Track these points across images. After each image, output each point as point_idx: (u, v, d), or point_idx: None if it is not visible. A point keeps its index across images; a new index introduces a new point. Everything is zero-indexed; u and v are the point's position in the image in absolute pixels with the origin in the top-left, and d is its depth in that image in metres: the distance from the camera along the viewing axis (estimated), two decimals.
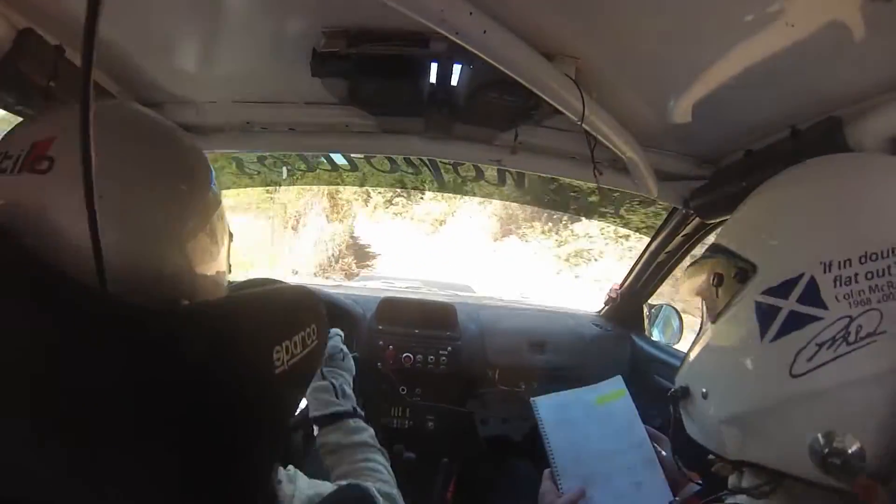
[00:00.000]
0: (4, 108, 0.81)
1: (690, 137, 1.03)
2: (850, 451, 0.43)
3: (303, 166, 1.26)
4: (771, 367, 0.48)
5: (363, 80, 0.88)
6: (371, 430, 0.87)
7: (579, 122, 0.83)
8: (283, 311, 0.57)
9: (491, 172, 1.33)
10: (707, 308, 0.60)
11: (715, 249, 0.59)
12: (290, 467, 0.64)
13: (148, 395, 0.39)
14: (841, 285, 0.45)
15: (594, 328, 1.74)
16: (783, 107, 0.80)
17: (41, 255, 0.39)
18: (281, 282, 0.76)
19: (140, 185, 0.46)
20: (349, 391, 0.91)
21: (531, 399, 1.00)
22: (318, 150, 1.18)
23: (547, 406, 1.00)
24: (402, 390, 1.55)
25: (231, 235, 0.59)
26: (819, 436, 0.44)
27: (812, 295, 0.46)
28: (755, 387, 0.50)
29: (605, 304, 1.82)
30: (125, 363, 0.39)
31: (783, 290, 0.48)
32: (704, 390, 0.56)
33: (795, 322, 0.47)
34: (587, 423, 0.97)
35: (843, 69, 0.68)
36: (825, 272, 0.46)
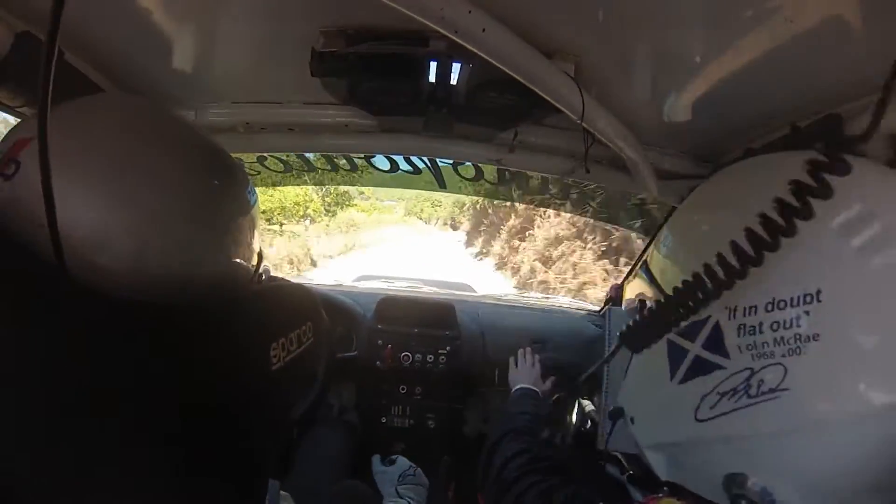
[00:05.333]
0: (3, 111, 0.81)
1: (690, 135, 1.03)
2: (757, 493, 0.41)
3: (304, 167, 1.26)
4: (679, 408, 0.46)
5: (362, 79, 0.88)
6: None
7: (579, 121, 0.83)
8: (280, 309, 0.58)
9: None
10: None
11: (644, 267, 0.55)
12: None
13: (147, 391, 0.40)
14: (744, 334, 0.41)
15: (595, 328, 1.74)
16: (783, 104, 0.80)
17: (39, 254, 0.39)
18: (281, 279, 0.77)
19: (162, 186, 0.46)
20: None
21: (608, 308, 1.17)
22: (317, 149, 1.18)
23: (618, 316, 1.13)
24: (402, 389, 1.55)
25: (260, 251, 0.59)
26: (727, 477, 0.42)
27: (716, 342, 0.43)
28: (668, 424, 0.49)
29: (605, 303, 1.82)
30: (123, 361, 0.39)
31: (691, 331, 0.45)
32: (632, 416, 0.55)
33: (701, 368, 0.44)
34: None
35: (843, 65, 0.68)
36: (729, 318, 0.42)
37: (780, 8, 0.60)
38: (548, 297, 2.12)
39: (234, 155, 1.19)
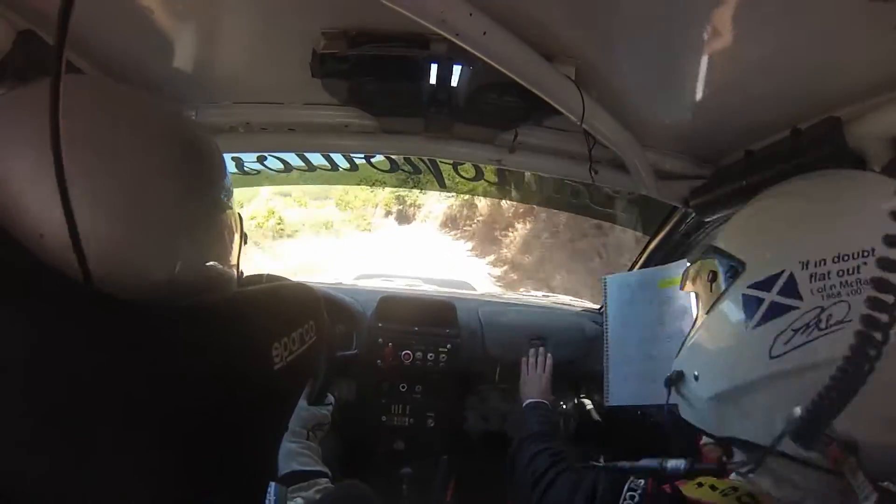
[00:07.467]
0: None
1: (690, 137, 1.03)
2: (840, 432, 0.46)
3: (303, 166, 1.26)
4: (753, 349, 0.54)
5: (363, 80, 0.88)
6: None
7: (579, 123, 0.83)
8: (282, 308, 0.58)
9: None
10: (702, 302, 0.68)
11: (712, 251, 0.66)
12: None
13: (148, 392, 0.40)
14: (815, 281, 0.52)
15: (594, 325, 1.74)
16: (783, 107, 0.80)
17: (39, 255, 0.39)
18: (283, 278, 0.77)
19: (146, 179, 0.44)
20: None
21: (603, 277, 1.18)
22: (317, 150, 1.18)
23: (616, 284, 1.16)
24: (402, 388, 1.55)
25: (245, 236, 0.59)
26: (794, 410, 0.48)
27: (791, 288, 0.53)
28: (740, 367, 0.57)
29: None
30: (124, 362, 0.39)
31: (766, 284, 0.55)
32: (696, 373, 0.64)
33: (775, 311, 0.53)
34: (645, 306, 1.15)
35: (844, 69, 0.68)
36: (803, 269, 0.52)
37: (781, 10, 0.60)
38: (547, 296, 2.11)
39: (233, 154, 1.21)
